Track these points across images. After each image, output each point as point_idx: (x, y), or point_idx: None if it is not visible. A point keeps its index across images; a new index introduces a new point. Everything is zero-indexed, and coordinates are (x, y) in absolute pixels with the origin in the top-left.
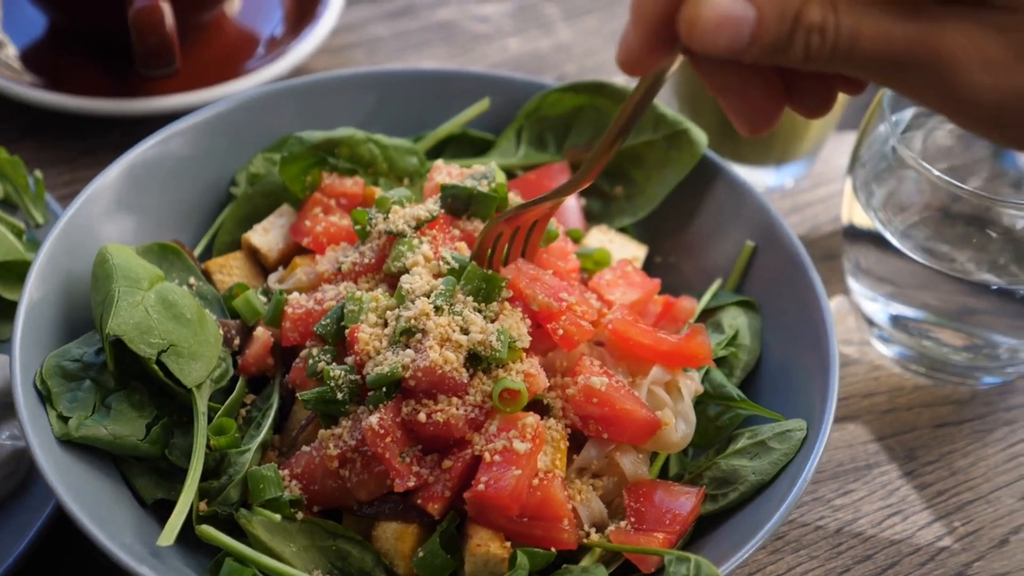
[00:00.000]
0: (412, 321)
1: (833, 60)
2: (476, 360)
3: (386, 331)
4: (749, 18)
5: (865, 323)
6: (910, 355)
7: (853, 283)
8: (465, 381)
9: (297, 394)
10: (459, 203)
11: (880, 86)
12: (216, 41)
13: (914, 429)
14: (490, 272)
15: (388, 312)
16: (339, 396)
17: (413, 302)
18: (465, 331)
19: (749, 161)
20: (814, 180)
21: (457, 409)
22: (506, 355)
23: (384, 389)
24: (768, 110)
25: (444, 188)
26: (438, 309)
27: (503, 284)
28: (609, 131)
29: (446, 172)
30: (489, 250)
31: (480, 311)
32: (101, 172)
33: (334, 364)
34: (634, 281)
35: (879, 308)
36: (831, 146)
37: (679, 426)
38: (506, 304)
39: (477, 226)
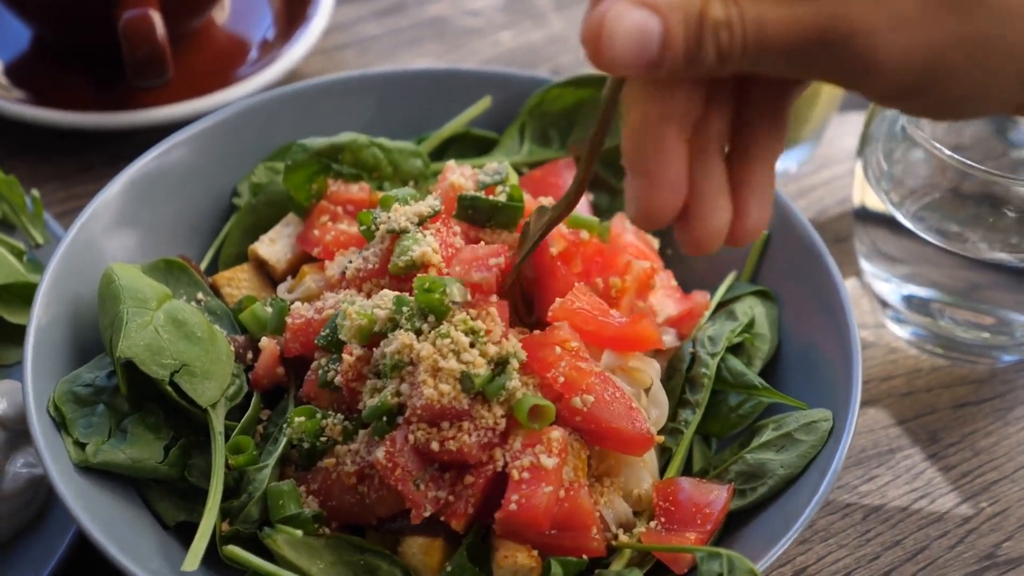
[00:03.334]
0: (397, 356)
1: (745, 55)
2: (471, 383)
3: (374, 357)
4: (654, 26)
5: (879, 305)
6: (925, 335)
7: (866, 265)
8: (466, 407)
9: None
10: (480, 214)
11: (797, 77)
12: (207, 48)
13: (934, 411)
14: (428, 284)
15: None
16: (317, 445)
17: (393, 327)
18: (456, 353)
19: None
20: (818, 163)
21: (469, 436)
22: (514, 378)
23: (384, 419)
24: (674, 194)
25: (462, 199)
26: (419, 334)
27: (442, 294)
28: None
29: (459, 172)
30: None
31: (468, 325)
32: (101, 190)
33: (293, 424)
34: (675, 296)
35: (893, 289)
36: (833, 127)
37: (651, 413)
38: (492, 312)
39: (497, 237)
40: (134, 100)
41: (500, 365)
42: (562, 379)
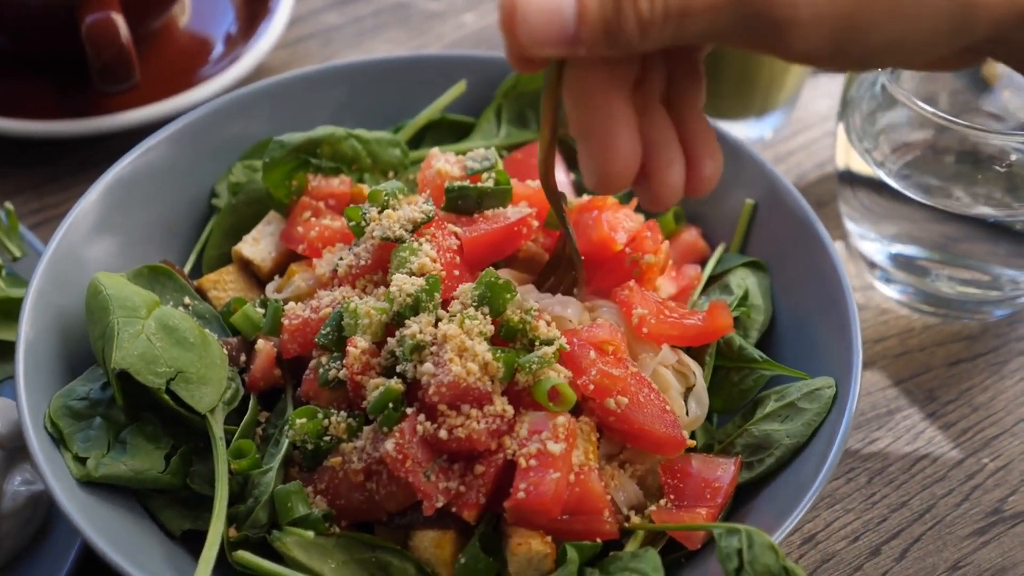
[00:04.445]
0: (419, 336)
1: (667, 24)
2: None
3: (384, 351)
4: (568, 1)
5: (866, 266)
6: (915, 293)
7: (852, 226)
8: (489, 390)
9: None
10: (469, 203)
11: (715, 43)
12: (171, 48)
13: (930, 369)
14: (501, 281)
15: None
16: (321, 444)
17: (413, 313)
18: (485, 337)
19: (730, 116)
20: (793, 128)
21: (478, 423)
22: (550, 359)
23: (391, 405)
24: (631, 155)
25: (449, 191)
26: (450, 316)
27: (510, 295)
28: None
29: (444, 159)
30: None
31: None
32: (79, 199)
33: (295, 426)
34: (671, 273)
35: (880, 249)
36: (806, 91)
37: (691, 408)
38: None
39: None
40: (101, 105)
41: (545, 344)
42: (592, 387)
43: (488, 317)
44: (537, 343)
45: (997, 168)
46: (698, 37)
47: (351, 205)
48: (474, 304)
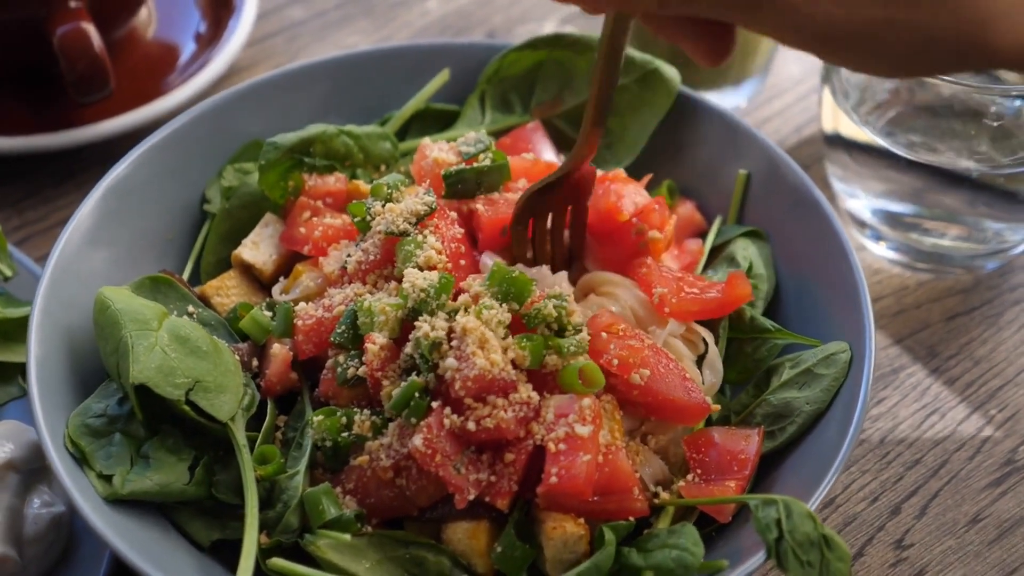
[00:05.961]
0: (433, 335)
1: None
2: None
3: (402, 355)
4: None
5: (855, 226)
6: (906, 250)
7: (840, 187)
8: (515, 378)
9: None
10: (468, 186)
11: (725, 19)
12: (140, 55)
13: (928, 326)
14: (515, 274)
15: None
16: (340, 440)
17: (431, 312)
18: (504, 326)
19: (707, 86)
20: (767, 94)
21: (505, 412)
22: (587, 344)
23: (416, 395)
24: (720, 39)
25: (447, 177)
26: (465, 309)
27: (532, 285)
28: (594, 82)
29: (436, 148)
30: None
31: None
32: (72, 214)
33: (313, 425)
34: (674, 252)
35: (868, 206)
36: (777, 56)
37: (706, 376)
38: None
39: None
40: (75, 117)
41: (577, 330)
42: (616, 361)
43: (504, 306)
44: (570, 329)
45: (980, 122)
46: (704, 11)
47: (353, 201)
48: (497, 299)
